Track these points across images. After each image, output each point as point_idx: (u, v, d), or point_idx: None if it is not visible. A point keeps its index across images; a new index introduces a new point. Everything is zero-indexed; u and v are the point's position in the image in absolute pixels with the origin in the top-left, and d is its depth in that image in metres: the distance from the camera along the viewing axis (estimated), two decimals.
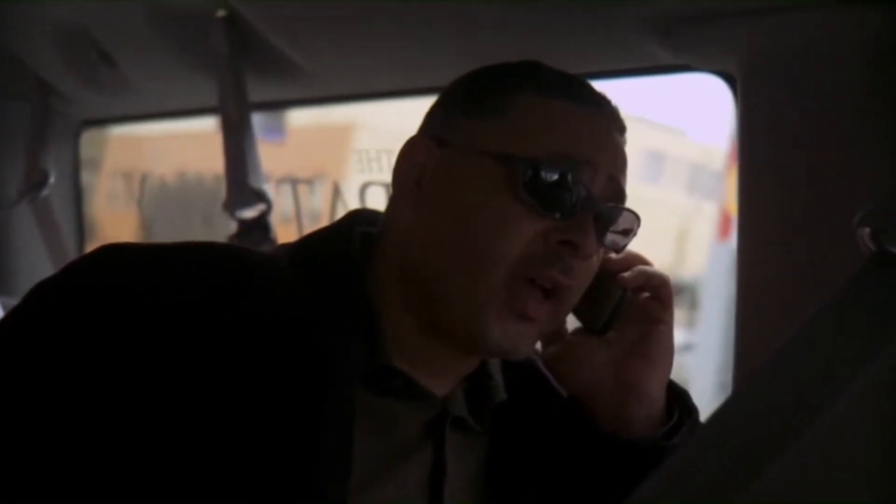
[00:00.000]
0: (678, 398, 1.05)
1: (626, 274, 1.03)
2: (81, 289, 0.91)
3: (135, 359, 0.86)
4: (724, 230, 6.49)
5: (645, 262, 1.04)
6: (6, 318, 0.92)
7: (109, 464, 0.85)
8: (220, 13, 1.58)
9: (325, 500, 0.87)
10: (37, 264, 2.14)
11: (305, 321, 0.92)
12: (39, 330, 0.89)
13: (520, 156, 0.93)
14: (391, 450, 0.95)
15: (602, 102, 1.00)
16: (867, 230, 0.88)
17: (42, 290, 0.93)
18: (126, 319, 0.87)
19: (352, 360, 0.92)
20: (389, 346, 0.95)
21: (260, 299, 0.92)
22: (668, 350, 1.04)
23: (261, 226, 1.67)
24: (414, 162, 0.98)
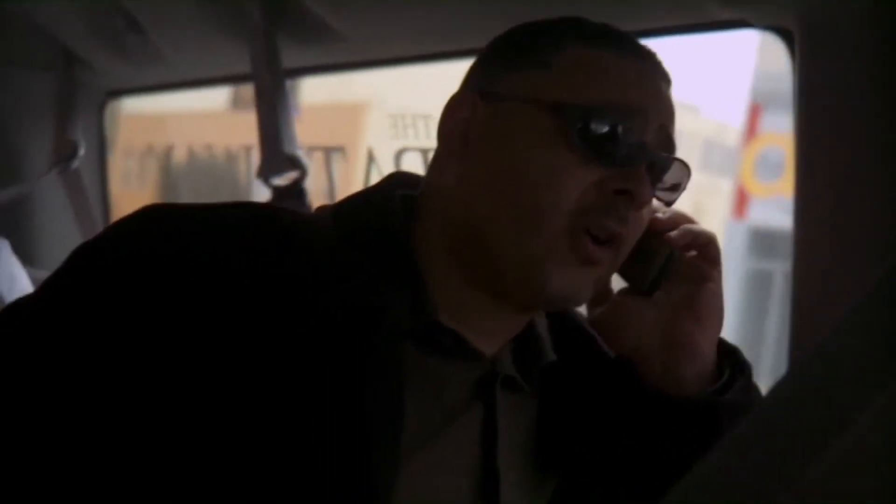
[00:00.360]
0: (729, 355, 1.04)
1: (673, 233, 1.01)
2: (124, 251, 0.89)
3: (180, 321, 0.85)
4: (739, 208, 6.48)
5: (690, 220, 1.03)
6: (50, 279, 0.91)
7: (159, 428, 0.84)
8: None
9: (377, 457, 0.85)
10: (61, 237, 2.13)
11: (349, 279, 0.91)
12: (84, 293, 0.88)
13: (570, 105, 0.92)
14: (441, 409, 0.94)
15: (647, 54, 0.98)
16: None
17: (85, 253, 0.91)
18: (171, 281, 0.86)
19: (398, 315, 0.90)
20: (437, 303, 0.93)
21: (303, 259, 0.90)
22: (717, 308, 1.02)
23: (295, 192, 1.65)
24: (459, 118, 0.97)
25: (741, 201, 6.25)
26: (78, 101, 2.08)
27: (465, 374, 0.96)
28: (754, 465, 0.82)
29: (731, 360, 1.04)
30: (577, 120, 0.91)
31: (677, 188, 0.99)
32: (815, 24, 1.10)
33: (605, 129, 0.91)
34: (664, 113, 0.96)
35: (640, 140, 0.93)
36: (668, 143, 0.97)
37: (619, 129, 0.92)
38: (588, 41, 0.95)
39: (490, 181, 0.94)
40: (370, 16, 1.52)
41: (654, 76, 0.97)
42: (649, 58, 0.98)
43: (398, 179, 1.04)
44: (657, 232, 1.01)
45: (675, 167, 0.98)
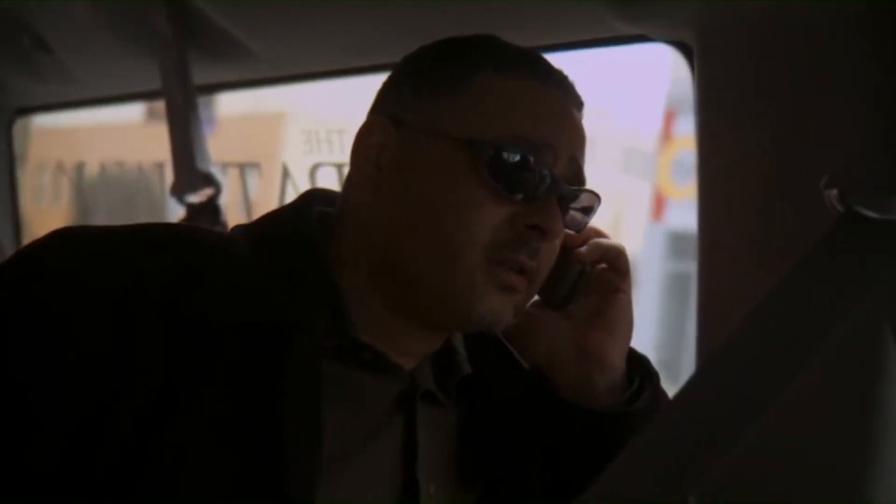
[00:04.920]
0: (638, 364, 1.06)
1: (583, 249, 1.04)
2: (34, 276, 0.88)
3: (90, 346, 0.84)
4: (657, 211, 6.59)
5: (601, 234, 1.05)
6: None
7: (70, 458, 0.83)
8: None
9: (297, 473, 0.86)
10: None
11: (266, 299, 0.91)
12: None
13: (481, 139, 0.92)
14: (362, 424, 0.95)
15: (560, 78, 0.99)
16: (835, 191, 0.89)
17: None
18: (82, 306, 0.85)
19: (316, 333, 0.91)
20: (356, 323, 0.94)
21: (219, 280, 0.90)
22: (627, 318, 1.05)
23: (210, 209, 1.63)
24: (372, 143, 0.97)
25: (659, 204, 6.36)
26: None
27: (386, 389, 0.97)
28: (663, 465, 0.84)
29: (640, 369, 1.06)
30: (487, 156, 0.92)
31: (588, 211, 1.01)
32: (710, 37, 1.13)
33: (515, 162, 0.92)
34: (574, 143, 0.98)
35: (550, 174, 0.94)
36: (578, 173, 0.98)
37: (529, 163, 0.93)
38: (499, 67, 0.96)
39: (406, 214, 0.94)
40: (280, 32, 1.52)
41: (566, 103, 0.98)
42: (561, 82, 0.99)
43: (314, 196, 1.04)
44: (568, 248, 1.02)
45: (584, 196, 0.99)
